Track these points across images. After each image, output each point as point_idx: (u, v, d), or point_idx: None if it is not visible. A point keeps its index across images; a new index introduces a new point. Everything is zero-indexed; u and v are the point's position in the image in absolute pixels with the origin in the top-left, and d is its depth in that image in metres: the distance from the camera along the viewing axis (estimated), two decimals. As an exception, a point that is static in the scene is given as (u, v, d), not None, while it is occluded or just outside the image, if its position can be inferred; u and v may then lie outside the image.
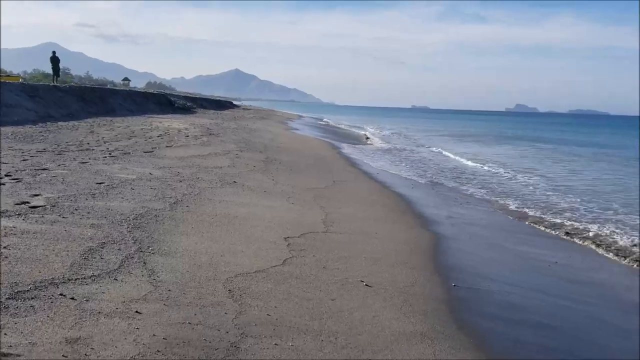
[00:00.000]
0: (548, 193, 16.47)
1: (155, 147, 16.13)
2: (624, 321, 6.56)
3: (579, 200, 15.28)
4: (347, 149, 26.55)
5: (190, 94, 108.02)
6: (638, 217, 12.97)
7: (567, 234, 10.99)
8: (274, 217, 8.95)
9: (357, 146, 30.00)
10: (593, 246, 10.14)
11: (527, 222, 11.97)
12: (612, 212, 13.66)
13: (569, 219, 12.35)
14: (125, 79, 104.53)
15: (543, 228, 11.47)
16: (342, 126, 57.25)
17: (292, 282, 5.95)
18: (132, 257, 6.00)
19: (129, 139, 18.23)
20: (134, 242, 6.53)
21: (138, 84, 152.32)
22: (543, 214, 12.86)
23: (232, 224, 8.09)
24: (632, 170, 25.29)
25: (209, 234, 7.37)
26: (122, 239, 6.60)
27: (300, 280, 6.03)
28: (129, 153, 14.56)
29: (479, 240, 9.87)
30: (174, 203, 8.93)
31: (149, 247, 6.45)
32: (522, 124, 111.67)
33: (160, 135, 20.09)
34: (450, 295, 6.50)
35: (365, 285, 6.24)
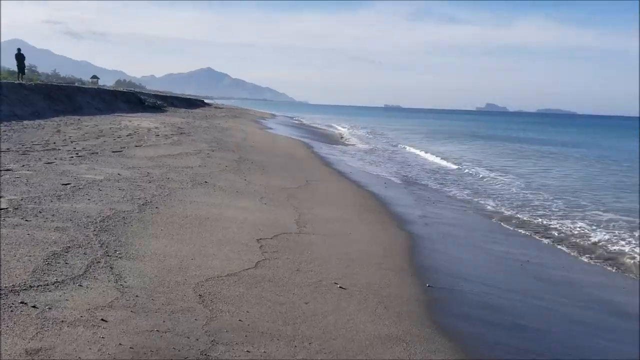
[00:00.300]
0: (522, 191, 16.66)
1: (124, 147, 15.78)
2: (598, 320, 6.61)
3: (550, 197, 15.50)
4: (322, 148, 26.48)
5: (160, 92, 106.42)
6: (603, 213, 13.19)
7: (537, 232, 11.10)
8: (246, 218, 8.79)
9: (331, 145, 29.95)
10: (563, 246, 10.26)
11: (499, 221, 12.06)
12: (580, 209, 13.87)
13: (541, 217, 12.50)
14: (94, 76, 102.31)
15: (515, 228, 11.56)
16: (317, 125, 57.15)
17: (264, 285, 5.82)
18: (98, 262, 5.78)
19: (97, 138, 17.79)
20: (101, 246, 6.30)
21: (107, 82, 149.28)
22: (516, 213, 13.00)
23: (203, 225, 7.90)
24: (601, 167, 25.82)
25: (179, 236, 7.18)
26: (88, 243, 6.36)
27: (273, 284, 5.90)
28: (97, 153, 14.19)
29: (453, 239, 9.88)
30: (143, 204, 8.69)
31: (116, 251, 6.23)
32: (493, 123, 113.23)
33: (130, 134, 19.68)
34: (425, 296, 6.45)
35: (340, 287, 6.14)
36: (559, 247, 10.16)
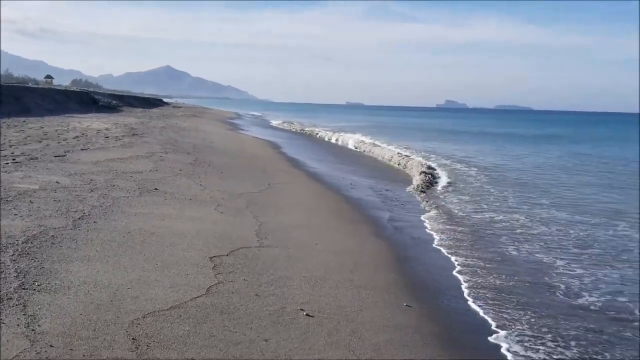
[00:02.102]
0: (486, 187, 16.07)
1: (69, 151, 14.48)
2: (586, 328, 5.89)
3: (511, 191, 15.04)
4: (286, 148, 25.53)
5: (118, 91, 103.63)
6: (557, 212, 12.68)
7: (509, 230, 10.45)
8: (199, 231, 7.78)
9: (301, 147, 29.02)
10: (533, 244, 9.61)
11: (469, 221, 11.34)
12: (538, 205, 13.31)
13: (507, 212, 11.88)
14: (48, 76, 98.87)
15: (484, 226, 10.87)
16: (295, 126, 55.26)
17: (216, 319, 4.86)
18: (10, 299, 4.71)
19: (40, 141, 16.39)
20: (17, 276, 5.22)
21: (63, 82, 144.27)
22: (485, 211, 12.34)
23: (147, 243, 6.86)
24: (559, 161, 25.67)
25: (116, 258, 6.13)
26: (2, 273, 5.27)
27: (227, 316, 4.95)
28: (37, 158, 12.89)
29: (428, 245, 9.10)
30: (79, 219, 7.59)
31: (35, 281, 5.16)
32: (454, 119, 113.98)
33: (77, 136, 18.28)
34: (404, 318, 5.63)
35: (306, 315, 5.25)
36: (529, 245, 9.47)
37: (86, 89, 75.96)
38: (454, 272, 7.70)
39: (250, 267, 6.48)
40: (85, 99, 46.41)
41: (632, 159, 28.23)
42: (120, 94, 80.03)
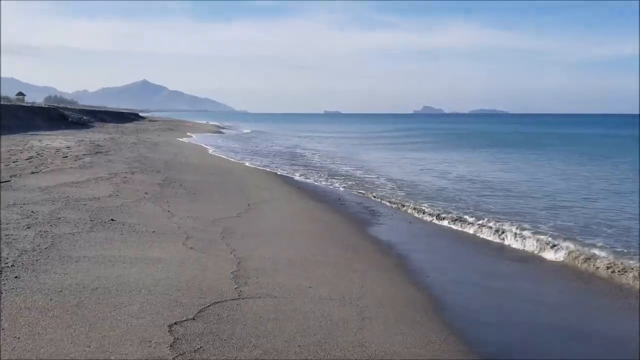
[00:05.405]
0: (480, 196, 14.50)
1: (16, 175, 12.50)
2: None
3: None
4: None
5: (93, 107, 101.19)
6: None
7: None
8: (158, 280, 5.96)
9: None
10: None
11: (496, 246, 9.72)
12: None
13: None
14: (20, 93, 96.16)
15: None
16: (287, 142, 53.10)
17: None
18: None
19: (-14, 164, 14.40)
20: None
21: (37, 99, 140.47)
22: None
23: (82, 306, 5.01)
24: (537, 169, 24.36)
25: (31, 338, 4.28)
26: None
27: None
28: (-26, 185, 10.94)
29: (451, 280, 7.41)
30: (-3, 272, 5.73)
31: None
32: (440, 124, 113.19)
33: (31, 157, 16.25)
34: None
35: None
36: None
37: (55, 105, 73.17)
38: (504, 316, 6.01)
39: (225, 337, 4.69)
40: (54, 115, 44.19)
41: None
42: (94, 109, 77.61)
